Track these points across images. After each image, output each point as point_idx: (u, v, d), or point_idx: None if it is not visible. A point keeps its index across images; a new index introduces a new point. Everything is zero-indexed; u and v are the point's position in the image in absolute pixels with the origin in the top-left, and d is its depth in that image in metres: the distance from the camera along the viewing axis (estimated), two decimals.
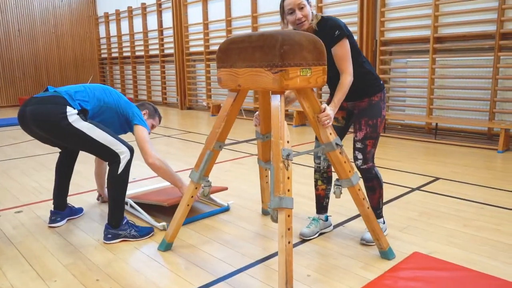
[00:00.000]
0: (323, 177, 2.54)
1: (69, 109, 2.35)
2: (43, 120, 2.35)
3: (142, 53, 11.18)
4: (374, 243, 2.30)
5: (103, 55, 13.09)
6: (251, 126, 7.04)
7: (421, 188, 3.47)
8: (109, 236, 2.48)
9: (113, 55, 12.59)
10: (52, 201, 2.84)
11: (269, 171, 2.73)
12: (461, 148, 5.00)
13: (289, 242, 1.79)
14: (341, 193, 2.21)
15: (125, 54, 12.01)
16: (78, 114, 2.37)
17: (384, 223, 2.51)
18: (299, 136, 6.00)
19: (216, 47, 8.93)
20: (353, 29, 6.36)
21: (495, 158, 4.49)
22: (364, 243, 2.41)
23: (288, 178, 1.85)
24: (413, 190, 3.43)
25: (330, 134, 2.12)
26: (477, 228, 2.61)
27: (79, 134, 2.35)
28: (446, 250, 2.32)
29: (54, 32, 12.15)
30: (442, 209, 2.97)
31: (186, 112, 9.55)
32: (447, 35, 5.41)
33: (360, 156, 2.36)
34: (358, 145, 2.36)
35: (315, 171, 2.56)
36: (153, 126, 2.96)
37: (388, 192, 3.34)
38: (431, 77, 5.58)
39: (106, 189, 3.09)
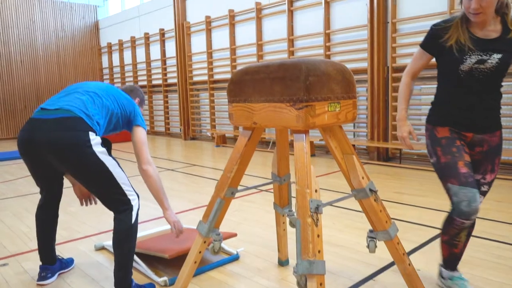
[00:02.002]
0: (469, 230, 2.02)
1: (92, 135, 2.04)
2: (65, 148, 1.99)
3: (145, 82, 11.01)
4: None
5: None
6: (266, 158, 6.73)
7: None
8: None
9: (116, 85, 12.44)
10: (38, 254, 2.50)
11: (286, 217, 2.40)
12: None
13: None
14: (376, 247, 1.87)
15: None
16: (102, 144, 2.07)
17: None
18: None
19: (220, 76, 8.74)
20: (363, 55, 6.13)
21: None
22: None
23: (318, 236, 1.52)
24: None
25: (363, 178, 1.79)
26: None
27: (101, 167, 2.02)
28: None
29: (57, 63, 12.06)
30: (481, 255, 2.60)
31: (190, 142, 9.26)
32: None
33: (482, 200, 1.97)
34: (485, 188, 1.98)
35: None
36: None
37: (416, 235, 2.99)
38: None
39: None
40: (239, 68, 8.20)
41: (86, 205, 2.62)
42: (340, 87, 1.69)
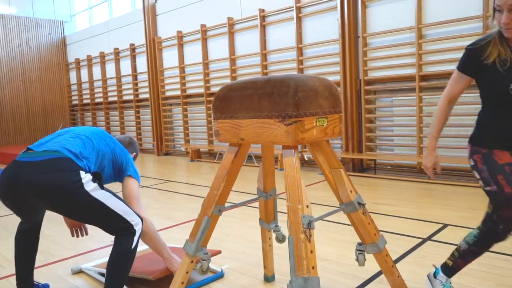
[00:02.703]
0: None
1: (82, 174, 1.93)
2: (54, 191, 1.88)
3: (116, 98, 10.82)
4: None
5: (74, 102, 12.65)
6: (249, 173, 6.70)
7: (432, 238, 3.17)
8: None
9: (85, 101, 12.17)
10: (15, 279, 2.37)
11: (272, 233, 2.38)
12: (462, 188, 4.79)
13: None
14: (365, 259, 1.88)
15: (97, 100, 11.61)
16: (92, 180, 1.97)
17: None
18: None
19: (193, 91, 8.69)
20: (336, 69, 6.26)
21: None
22: None
23: (312, 252, 1.51)
24: (424, 240, 3.12)
25: (351, 191, 1.81)
26: None
27: (96, 204, 1.93)
28: None
29: (22, 80, 11.68)
30: (470, 265, 2.65)
31: (164, 158, 9.13)
32: (433, 73, 5.33)
33: None
34: None
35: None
36: None
37: (398, 245, 3.03)
38: (419, 115, 5.45)
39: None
40: (212, 82, 8.19)
41: (77, 236, 2.54)
42: (327, 102, 1.70)
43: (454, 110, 5.49)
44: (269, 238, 2.44)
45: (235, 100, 1.79)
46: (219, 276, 2.62)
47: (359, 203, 1.81)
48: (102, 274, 2.63)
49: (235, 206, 2.08)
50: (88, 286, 2.60)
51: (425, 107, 5.49)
